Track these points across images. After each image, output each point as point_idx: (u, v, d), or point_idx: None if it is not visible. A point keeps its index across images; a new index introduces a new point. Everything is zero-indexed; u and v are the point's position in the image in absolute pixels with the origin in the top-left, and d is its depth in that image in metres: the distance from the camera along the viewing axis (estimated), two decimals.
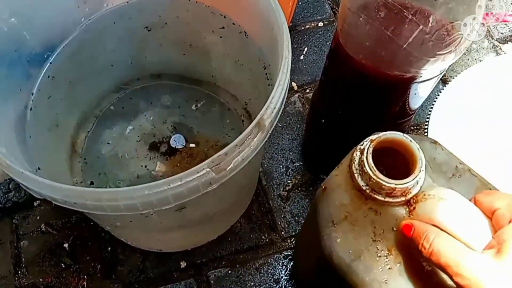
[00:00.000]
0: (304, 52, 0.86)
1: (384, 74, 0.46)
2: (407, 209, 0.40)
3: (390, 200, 0.40)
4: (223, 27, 0.62)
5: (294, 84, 0.83)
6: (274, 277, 0.68)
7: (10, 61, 0.56)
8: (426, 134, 0.59)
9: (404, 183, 0.38)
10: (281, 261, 0.69)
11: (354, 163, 0.41)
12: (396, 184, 0.38)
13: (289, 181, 0.75)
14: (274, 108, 0.43)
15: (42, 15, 0.58)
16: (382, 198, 0.40)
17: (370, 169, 0.39)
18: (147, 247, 0.68)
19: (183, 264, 0.69)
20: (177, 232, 0.63)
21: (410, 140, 0.40)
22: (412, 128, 0.78)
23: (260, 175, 0.75)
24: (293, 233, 0.71)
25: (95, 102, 0.74)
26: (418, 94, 0.52)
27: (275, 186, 0.75)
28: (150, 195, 0.39)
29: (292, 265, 0.69)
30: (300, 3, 0.90)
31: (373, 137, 0.41)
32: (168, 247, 0.68)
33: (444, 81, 0.81)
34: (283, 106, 0.46)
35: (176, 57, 0.73)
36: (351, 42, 0.47)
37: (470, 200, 0.38)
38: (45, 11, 0.59)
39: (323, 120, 0.62)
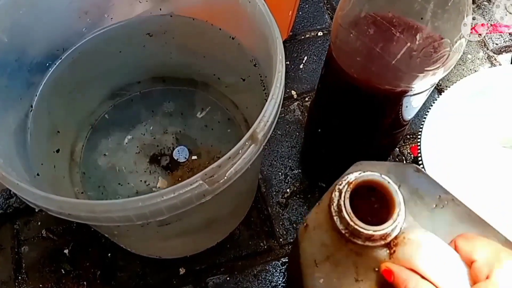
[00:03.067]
0: (304, 61, 0.87)
1: (375, 88, 0.47)
2: (388, 251, 0.40)
3: (370, 244, 0.40)
4: (219, 38, 0.63)
5: (293, 92, 0.84)
6: (272, 283, 0.69)
7: (11, 71, 0.56)
8: (419, 143, 0.60)
9: (382, 230, 0.38)
10: (279, 268, 0.70)
11: (333, 204, 0.41)
12: (374, 231, 0.38)
13: (287, 189, 0.76)
14: (267, 121, 0.44)
15: (43, 25, 0.59)
16: (361, 243, 0.40)
17: (348, 215, 0.39)
18: (147, 253, 0.69)
19: (182, 271, 0.70)
20: (176, 240, 0.63)
21: (388, 182, 0.39)
22: (408, 137, 0.79)
23: (259, 182, 0.76)
24: (291, 240, 0.72)
25: (92, 109, 0.73)
26: (411, 106, 0.52)
27: (274, 193, 0.76)
28: (144, 207, 0.40)
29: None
30: (300, 13, 0.91)
31: (350, 178, 0.40)
32: (167, 254, 0.69)
33: (439, 90, 0.82)
34: (276, 119, 0.46)
35: (180, 59, 0.71)
36: (343, 56, 0.48)
37: (450, 243, 0.38)
38: (46, 21, 0.59)
39: (319, 129, 0.63)
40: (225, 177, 0.43)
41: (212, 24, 0.63)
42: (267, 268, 0.70)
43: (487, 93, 0.64)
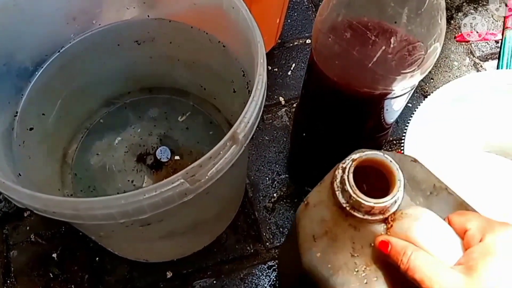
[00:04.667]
0: (292, 68, 0.88)
1: (355, 91, 0.48)
2: (385, 227, 0.41)
3: (369, 217, 0.41)
4: (206, 44, 0.64)
5: (281, 98, 0.85)
6: (258, 287, 0.70)
7: None
8: (403, 147, 0.61)
9: (382, 203, 0.40)
10: (265, 272, 0.71)
11: (336, 180, 0.42)
12: (375, 203, 0.40)
13: (274, 193, 0.77)
14: (248, 122, 0.45)
15: (31, 31, 0.60)
16: (361, 216, 0.41)
17: (351, 188, 0.40)
18: (134, 257, 0.69)
19: (169, 274, 0.70)
20: (162, 243, 0.64)
21: (390, 161, 0.41)
22: (394, 142, 0.80)
23: (246, 186, 0.77)
24: (278, 244, 0.73)
25: (86, 115, 0.76)
26: (392, 109, 0.53)
27: (261, 198, 0.76)
28: (126, 205, 0.41)
29: (275, 275, 0.71)
30: (288, 20, 0.92)
31: (355, 156, 0.42)
32: (154, 257, 0.70)
33: (425, 96, 0.83)
34: (258, 121, 0.47)
35: (166, 70, 0.74)
36: (323, 60, 0.49)
37: (444, 219, 0.40)
38: (34, 27, 0.60)
39: (304, 134, 0.64)
40: (207, 177, 0.44)
41: (199, 29, 0.64)
42: (254, 271, 0.71)
43: (470, 99, 0.65)
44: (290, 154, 0.78)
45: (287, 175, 0.78)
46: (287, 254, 0.59)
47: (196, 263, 0.71)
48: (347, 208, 0.41)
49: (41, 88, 0.63)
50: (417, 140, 0.61)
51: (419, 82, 0.84)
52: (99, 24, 0.66)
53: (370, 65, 0.43)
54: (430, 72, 0.87)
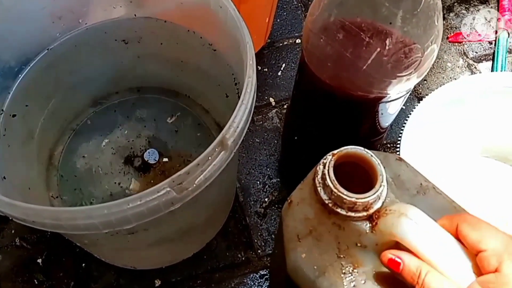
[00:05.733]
0: (282, 68, 0.86)
1: (348, 94, 0.46)
2: (370, 225, 0.40)
3: (352, 214, 0.40)
4: (194, 43, 0.63)
5: (272, 99, 0.83)
6: None
7: None
8: (398, 151, 0.59)
9: (365, 198, 0.38)
10: (257, 281, 0.69)
11: (317, 176, 0.41)
12: (357, 198, 0.39)
13: (266, 198, 0.75)
14: (237, 127, 0.43)
15: (17, 30, 0.58)
16: (344, 213, 0.40)
17: (331, 183, 0.39)
18: (121, 264, 0.67)
19: (157, 283, 0.68)
20: (150, 250, 0.62)
21: (371, 155, 0.40)
22: (388, 146, 0.78)
23: (237, 191, 0.75)
24: (269, 252, 0.71)
25: (73, 115, 0.74)
26: (387, 113, 0.52)
27: (252, 202, 0.75)
28: (109, 215, 0.39)
29: (267, 285, 0.69)
30: (278, 20, 0.91)
31: (335, 151, 0.41)
32: (142, 264, 0.68)
33: (419, 99, 0.82)
34: (248, 125, 0.46)
35: (154, 70, 0.73)
36: (315, 62, 0.47)
37: (436, 220, 0.38)
38: (19, 26, 0.59)
39: (296, 137, 0.62)
40: (195, 185, 0.42)
41: (187, 29, 0.63)
42: (245, 281, 0.69)
43: (466, 101, 0.64)
44: (282, 157, 0.77)
45: (278, 179, 0.77)
46: (275, 257, 0.57)
47: (186, 271, 0.69)
48: (330, 205, 0.40)
49: (27, 87, 0.62)
50: (412, 144, 0.60)
51: None
52: (86, 23, 0.65)
53: (364, 67, 0.42)
54: None
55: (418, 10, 0.39)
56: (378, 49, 0.40)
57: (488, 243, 0.35)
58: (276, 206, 0.74)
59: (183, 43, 0.65)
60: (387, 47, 0.40)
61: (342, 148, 0.41)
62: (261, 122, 0.82)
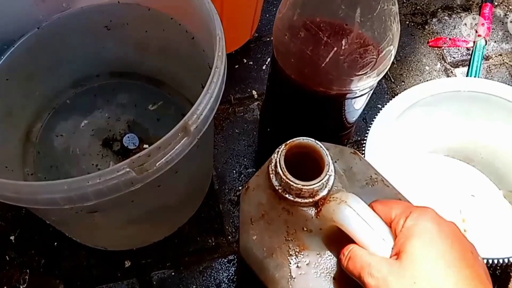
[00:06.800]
0: (266, 63, 0.88)
1: (312, 90, 0.48)
2: (315, 210, 0.42)
3: (299, 200, 0.42)
4: (175, 32, 0.64)
5: (254, 92, 0.85)
6: (216, 281, 0.70)
7: None
8: (363, 151, 0.61)
9: (310, 185, 0.41)
10: (225, 265, 0.71)
11: (271, 164, 0.44)
12: (302, 185, 0.41)
13: (240, 187, 0.76)
14: (201, 114, 0.45)
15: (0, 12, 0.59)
16: (292, 198, 0.42)
17: (281, 170, 0.41)
18: (92, 244, 0.69)
19: (127, 264, 0.70)
20: (120, 231, 0.64)
21: (320, 146, 0.42)
22: (362, 142, 0.79)
23: (213, 178, 0.77)
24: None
25: (53, 95, 0.74)
26: (353, 108, 0.53)
27: (227, 190, 0.76)
28: (69, 191, 0.40)
29: (234, 270, 0.70)
30: (267, 15, 0.92)
31: (288, 141, 0.43)
32: (113, 245, 0.69)
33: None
34: (213, 114, 0.47)
35: (137, 57, 0.73)
36: (281, 57, 0.49)
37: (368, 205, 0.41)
38: (2, 7, 0.59)
39: (269, 129, 0.64)
40: (155, 167, 0.43)
41: (170, 17, 0.63)
42: (213, 265, 0.71)
43: (436, 103, 0.66)
44: (258, 148, 0.78)
45: (254, 169, 0.78)
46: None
47: (156, 254, 0.71)
48: (280, 191, 0.42)
49: (6, 68, 0.63)
50: (379, 140, 0.61)
51: (390, 84, 0.85)
52: (69, 7, 0.66)
53: (323, 65, 0.43)
54: (401, 74, 0.87)
55: (374, 14, 0.40)
56: (335, 49, 0.42)
57: (394, 211, 0.39)
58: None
59: (165, 30, 0.65)
60: (343, 47, 0.42)
61: (294, 139, 0.42)
62: (242, 114, 0.83)
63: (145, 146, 0.73)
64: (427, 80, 0.87)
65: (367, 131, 0.61)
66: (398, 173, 0.52)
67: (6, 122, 0.65)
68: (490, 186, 0.72)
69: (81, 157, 0.72)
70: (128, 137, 0.73)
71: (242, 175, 0.77)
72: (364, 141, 0.59)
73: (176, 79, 0.75)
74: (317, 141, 0.42)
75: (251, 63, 0.88)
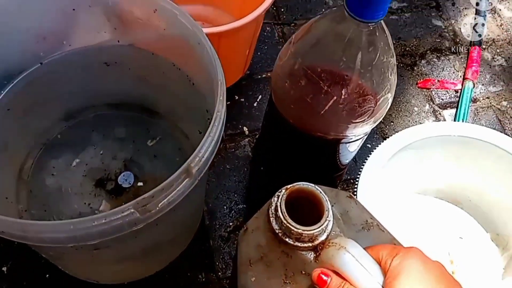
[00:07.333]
0: (258, 100, 0.90)
1: (309, 134, 0.50)
2: (314, 255, 0.44)
3: (299, 244, 0.43)
4: (173, 74, 0.65)
5: (245, 128, 0.86)
6: None
7: None
8: (357, 187, 0.63)
9: (310, 230, 0.42)
10: None
11: (271, 207, 0.45)
12: (303, 230, 0.42)
13: (231, 223, 0.78)
14: (203, 157, 0.46)
15: (1, 48, 0.60)
16: (292, 242, 0.44)
17: (282, 214, 0.43)
18: (85, 277, 0.69)
19: None
20: (113, 266, 0.64)
21: (320, 192, 0.44)
22: (352, 181, 0.82)
23: (204, 214, 0.78)
24: (229, 274, 0.73)
25: (43, 129, 0.73)
26: (347, 151, 0.55)
27: (217, 226, 0.77)
28: (75, 231, 0.41)
29: None
30: (258, 53, 0.94)
31: (289, 186, 0.45)
32: (105, 279, 0.70)
33: (384, 138, 0.85)
34: (213, 156, 0.49)
35: (135, 89, 0.73)
36: (280, 102, 0.51)
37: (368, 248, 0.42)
38: (2, 44, 0.60)
39: (262, 167, 0.65)
40: (158, 208, 0.44)
41: (170, 61, 0.65)
42: None
43: (425, 146, 0.68)
44: (249, 184, 0.79)
45: (245, 205, 0.79)
46: (232, 280, 0.60)
47: None
48: (280, 234, 0.44)
49: (6, 104, 0.64)
50: (370, 181, 0.63)
51: (379, 124, 0.87)
52: (70, 45, 0.67)
53: (322, 112, 0.45)
54: (390, 115, 0.89)
55: (373, 65, 0.42)
56: (335, 98, 0.44)
57: (382, 252, 0.41)
58: (240, 231, 0.77)
59: (163, 73, 0.67)
60: (342, 97, 0.44)
61: (294, 184, 0.44)
62: (233, 150, 0.84)
63: (139, 184, 0.72)
64: (416, 121, 0.89)
65: (358, 170, 0.63)
66: (388, 214, 0.54)
67: (2, 157, 0.65)
68: (478, 229, 0.74)
69: (73, 196, 0.70)
70: (123, 175, 0.72)
71: (233, 211, 0.79)
72: (354, 180, 0.61)
73: (175, 113, 0.75)
74: (316, 186, 0.44)
75: (243, 99, 0.90)
